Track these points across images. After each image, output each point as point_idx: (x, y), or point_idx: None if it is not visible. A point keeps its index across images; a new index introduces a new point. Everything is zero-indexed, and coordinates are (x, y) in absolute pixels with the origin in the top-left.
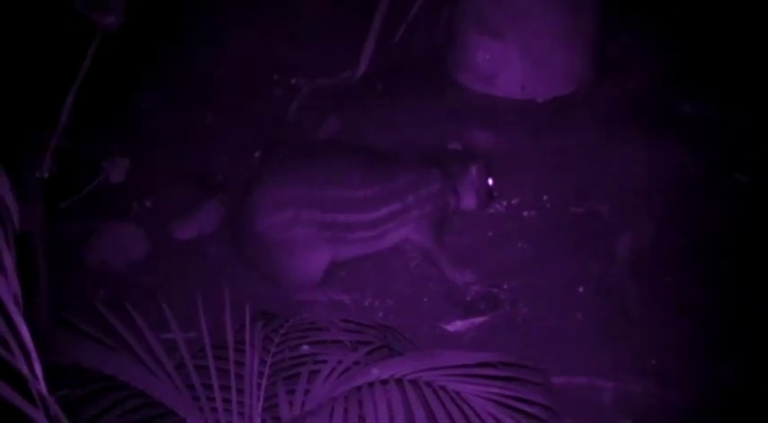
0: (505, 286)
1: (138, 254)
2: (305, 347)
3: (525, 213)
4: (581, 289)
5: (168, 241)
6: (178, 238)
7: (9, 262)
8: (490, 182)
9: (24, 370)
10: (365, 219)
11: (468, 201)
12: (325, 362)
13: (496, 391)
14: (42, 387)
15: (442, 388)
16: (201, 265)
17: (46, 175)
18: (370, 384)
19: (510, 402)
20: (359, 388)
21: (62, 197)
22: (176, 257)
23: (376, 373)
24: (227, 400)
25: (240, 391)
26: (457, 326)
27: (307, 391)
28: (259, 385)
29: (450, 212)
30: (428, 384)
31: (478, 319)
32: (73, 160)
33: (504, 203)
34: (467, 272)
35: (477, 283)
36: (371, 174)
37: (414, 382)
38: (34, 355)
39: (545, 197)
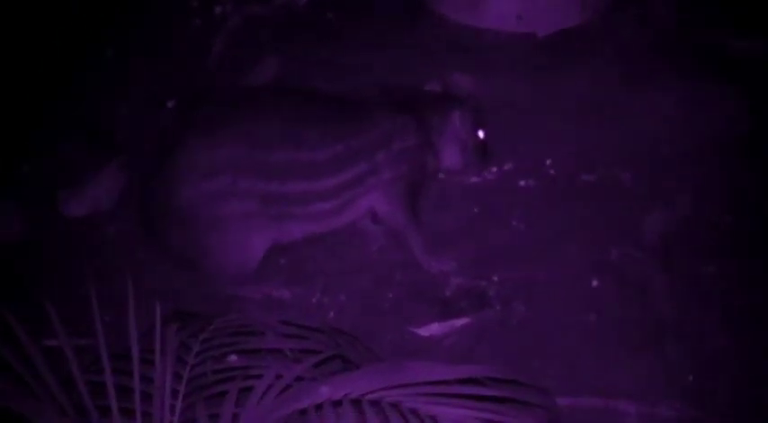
0: (496, 278)
1: (12, 235)
2: (233, 358)
3: (522, 183)
4: (595, 282)
5: (52, 219)
6: (66, 215)
7: None
8: (481, 134)
9: None
10: (323, 187)
11: (451, 157)
12: (259, 377)
13: (484, 415)
14: None
15: (413, 411)
16: (96, 251)
17: None
18: (318, 406)
19: None
20: (303, 411)
21: None
22: (63, 240)
23: (326, 391)
24: None
25: (147, 416)
26: (432, 329)
27: (235, 416)
28: (172, 407)
29: (427, 176)
30: (394, 406)
31: (460, 321)
32: None
33: (495, 170)
34: (445, 258)
35: (459, 273)
36: (332, 127)
37: (375, 404)
38: None
39: (548, 161)
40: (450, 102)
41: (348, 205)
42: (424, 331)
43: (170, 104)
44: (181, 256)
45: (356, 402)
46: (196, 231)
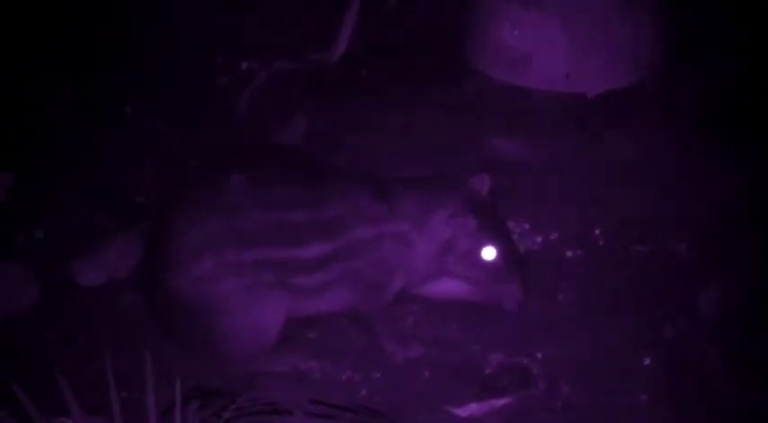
0: (539, 355)
1: (24, 304)
2: None
3: (569, 253)
4: (647, 361)
5: (66, 288)
6: (80, 284)
7: None
8: (488, 254)
9: None
10: (300, 256)
11: (417, 273)
12: None
13: None
14: None
15: None
16: (112, 322)
17: None
18: None
19: None
20: None
21: None
22: (77, 310)
23: None
24: None
25: None
26: (471, 410)
27: None
28: None
29: (391, 274)
30: None
31: (501, 401)
32: None
33: (540, 240)
34: (413, 345)
35: (500, 350)
36: (300, 189)
37: None
38: None
39: (596, 231)
40: (447, 198)
41: (326, 289)
42: (462, 411)
43: (192, 164)
44: (191, 344)
45: None
46: (198, 318)
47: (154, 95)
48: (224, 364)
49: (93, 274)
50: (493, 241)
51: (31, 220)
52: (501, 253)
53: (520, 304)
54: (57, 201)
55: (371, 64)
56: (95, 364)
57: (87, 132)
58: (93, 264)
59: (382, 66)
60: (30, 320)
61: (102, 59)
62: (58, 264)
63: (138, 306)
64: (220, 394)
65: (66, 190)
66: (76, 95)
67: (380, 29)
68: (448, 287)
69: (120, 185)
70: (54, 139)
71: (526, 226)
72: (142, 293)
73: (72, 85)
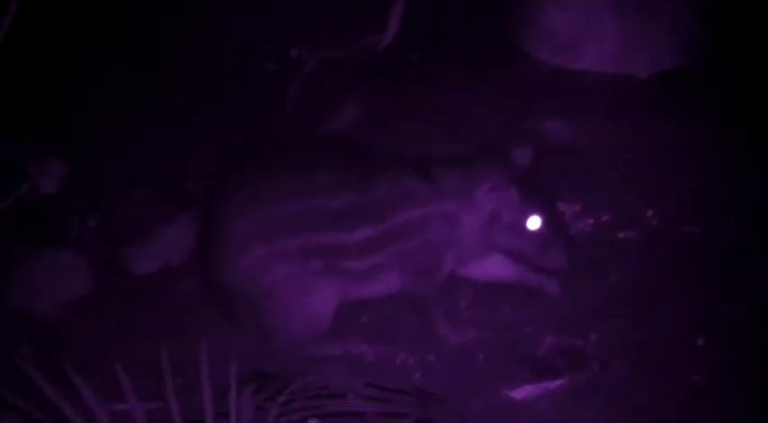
0: (593, 337)
1: (79, 292)
2: (314, 421)
3: (621, 235)
4: (701, 341)
5: (120, 275)
6: (134, 272)
7: None
8: (532, 223)
9: None
10: (349, 240)
11: (466, 251)
12: None
13: None
14: None
15: None
16: (167, 309)
17: None
18: None
19: None
20: None
21: None
22: (132, 297)
23: None
24: None
25: None
26: (525, 392)
27: None
28: None
29: (444, 252)
30: None
31: (555, 383)
32: None
33: (592, 222)
34: (466, 329)
35: (554, 332)
36: (344, 174)
37: None
38: None
39: (649, 212)
40: (489, 171)
41: (376, 273)
42: (517, 394)
43: (243, 152)
44: (247, 330)
45: None
46: (253, 306)
47: (206, 83)
48: (278, 349)
49: (147, 261)
50: (536, 211)
51: (85, 209)
52: (545, 221)
53: (569, 286)
54: (110, 189)
55: (422, 49)
56: (151, 351)
57: (140, 119)
58: (146, 252)
59: (433, 50)
60: (84, 308)
61: (157, 46)
62: (111, 252)
63: (192, 293)
64: (275, 379)
65: (120, 178)
66: (131, 82)
67: (430, 13)
68: (497, 268)
69: (173, 173)
70: (107, 126)
71: (578, 208)
72: (196, 281)
73: (127, 73)
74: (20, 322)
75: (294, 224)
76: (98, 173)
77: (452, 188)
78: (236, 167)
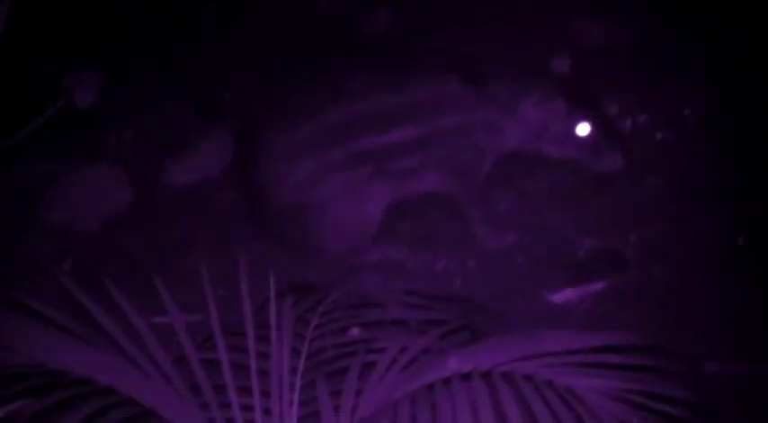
0: (632, 239)
1: (118, 206)
2: (354, 331)
3: (659, 135)
4: (740, 240)
5: (159, 188)
6: (173, 183)
7: None
8: (582, 130)
9: None
10: (389, 141)
11: (521, 140)
12: (383, 350)
13: (624, 385)
14: None
15: (548, 383)
16: (206, 221)
17: None
18: (446, 381)
19: (643, 401)
20: (431, 386)
21: (8, 130)
22: (170, 210)
23: (454, 364)
24: (247, 408)
25: (265, 394)
26: (566, 295)
27: (359, 392)
28: (292, 385)
29: (486, 155)
30: (528, 379)
31: (596, 286)
32: (22, 78)
33: (629, 123)
34: (505, 233)
35: (593, 234)
36: (373, 76)
37: (507, 376)
38: None
39: (686, 111)
40: (534, 83)
41: (420, 170)
42: (558, 297)
43: (277, 61)
44: (295, 244)
45: (486, 375)
46: (304, 219)
47: None
48: (324, 259)
49: (185, 173)
50: (584, 117)
51: (121, 122)
52: (594, 126)
53: (606, 188)
54: (145, 101)
55: None
56: (190, 263)
57: (174, 31)
58: (185, 162)
59: None
60: (122, 221)
61: None
62: (148, 164)
63: (231, 204)
64: (314, 289)
65: (155, 90)
66: None
67: None
68: None
69: (208, 83)
70: (140, 39)
71: (615, 109)
72: (234, 192)
73: None
74: (61, 238)
75: (335, 133)
76: (132, 86)
77: (497, 97)
78: (271, 80)
